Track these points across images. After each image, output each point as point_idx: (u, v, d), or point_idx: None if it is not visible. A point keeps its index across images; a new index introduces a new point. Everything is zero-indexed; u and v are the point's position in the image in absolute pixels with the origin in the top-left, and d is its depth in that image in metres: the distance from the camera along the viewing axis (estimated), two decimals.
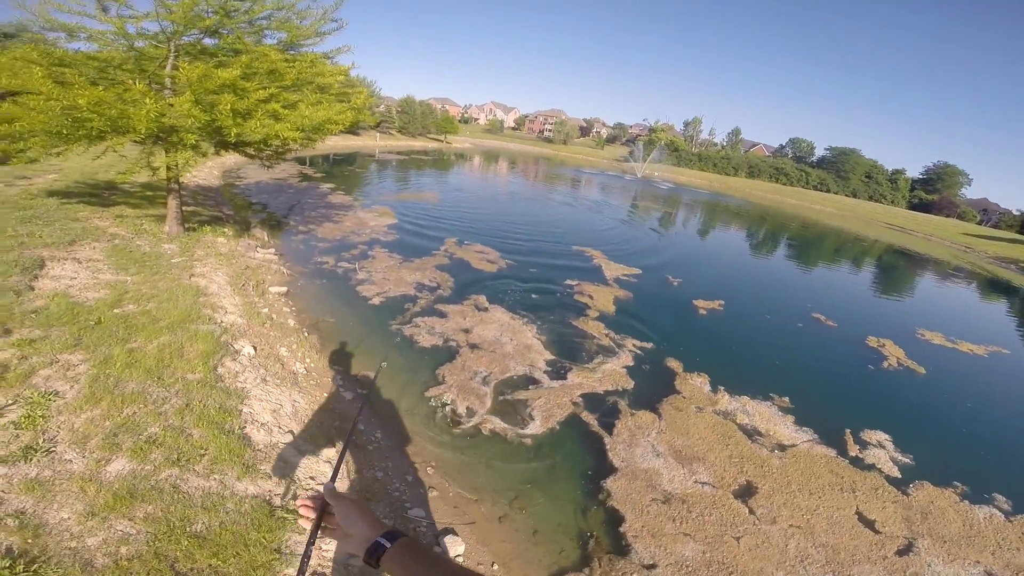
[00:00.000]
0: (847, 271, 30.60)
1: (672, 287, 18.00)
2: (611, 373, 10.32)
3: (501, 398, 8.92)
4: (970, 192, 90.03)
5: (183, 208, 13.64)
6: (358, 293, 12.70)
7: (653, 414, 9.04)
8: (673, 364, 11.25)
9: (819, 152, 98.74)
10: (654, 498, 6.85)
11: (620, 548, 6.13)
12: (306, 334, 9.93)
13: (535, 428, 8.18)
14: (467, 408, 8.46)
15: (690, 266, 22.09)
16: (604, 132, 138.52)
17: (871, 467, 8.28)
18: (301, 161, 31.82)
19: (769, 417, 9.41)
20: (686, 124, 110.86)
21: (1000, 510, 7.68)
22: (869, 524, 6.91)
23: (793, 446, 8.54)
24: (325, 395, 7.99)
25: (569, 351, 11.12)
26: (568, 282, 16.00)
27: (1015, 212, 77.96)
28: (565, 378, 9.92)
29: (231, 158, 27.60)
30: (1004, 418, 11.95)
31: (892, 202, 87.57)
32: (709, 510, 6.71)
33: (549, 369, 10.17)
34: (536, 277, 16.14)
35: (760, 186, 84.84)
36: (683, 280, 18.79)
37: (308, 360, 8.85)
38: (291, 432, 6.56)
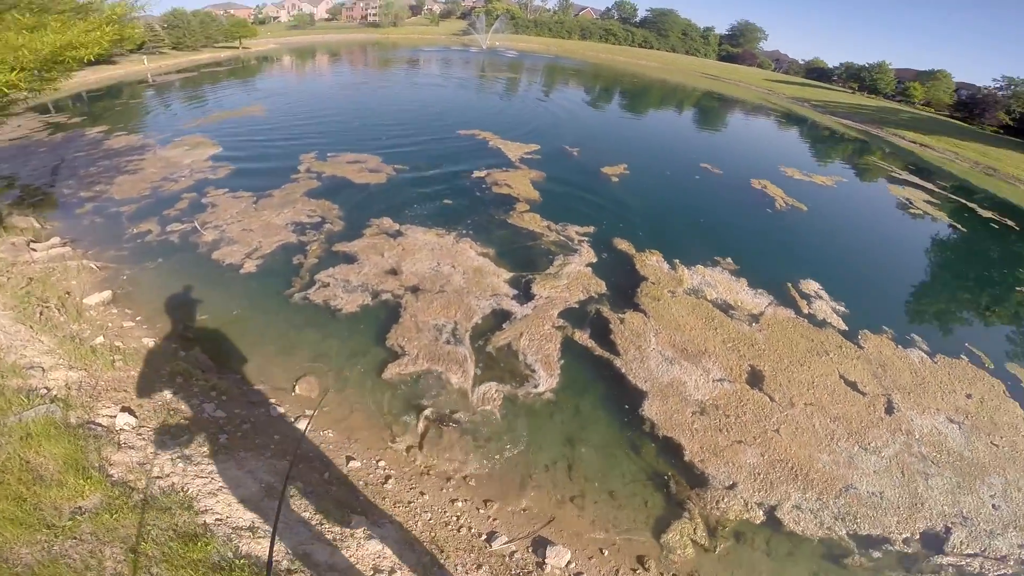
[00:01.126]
0: (688, 117, 32.61)
1: (575, 159, 16.77)
2: (577, 276, 8.96)
3: (486, 353, 7.04)
4: (766, 45, 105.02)
5: None
6: (218, 263, 8.84)
7: (639, 313, 8.26)
8: (624, 246, 10.46)
9: (641, 13, 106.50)
10: (693, 412, 6.49)
11: (697, 479, 5.66)
12: (183, 353, 6.50)
13: (543, 379, 6.66)
14: (456, 384, 6.47)
15: (575, 132, 20.85)
16: (437, 8, 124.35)
17: (825, 323, 8.96)
18: (40, 110, 21.51)
19: (728, 286, 9.56)
20: None
21: (922, 351, 8.71)
22: (853, 386, 7.46)
23: (761, 314, 8.83)
24: (276, 438, 5.33)
25: (523, 260, 9.33)
26: (476, 174, 13.65)
27: (800, 61, 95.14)
28: (534, 296, 8.30)
29: None
30: (873, 246, 13.92)
31: (705, 55, 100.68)
32: (740, 409, 6.65)
33: (515, 292, 8.38)
34: (438, 178, 13.37)
35: (593, 47, 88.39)
36: (581, 148, 17.71)
37: (216, 392, 5.84)
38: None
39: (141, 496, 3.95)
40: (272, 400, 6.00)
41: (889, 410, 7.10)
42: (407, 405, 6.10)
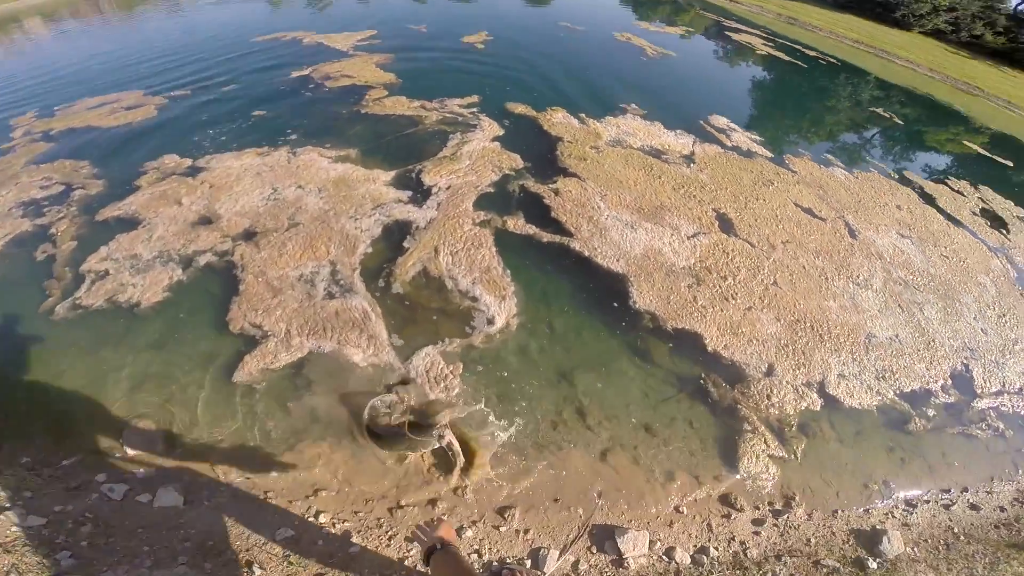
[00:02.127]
0: None
1: (425, 34, 13.40)
2: (482, 153, 6.61)
3: (394, 296, 4.64)
4: None
5: None
6: None
7: (571, 178, 6.47)
8: (521, 109, 8.35)
9: None
10: (688, 285, 5.12)
11: (732, 373, 4.46)
12: None
13: (494, 306, 4.53)
14: (365, 361, 4.10)
15: (413, 14, 16.99)
16: None
17: (753, 154, 8.34)
18: None
19: (647, 131, 8.36)
20: None
21: (840, 168, 8.72)
22: (810, 212, 6.89)
23: (692, 153, 7.87)
24: None
25: (403, 152, 6.72)
26: (296, 73, 9.84)
27: None
28: (431, 192, 5.89)
29: None
30: (747, 83, 14.23)
31: None
32: (731, 266, 5.54)
33: (407, 194, 5.87)
34: (237, 91, 9.29)
35: None
36: (425, 23, 14.22)
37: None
38: None
39: None
40: (99, 476, 3.38)
41: (852, 234, 6.64)
42: (307, 418, 3.66)
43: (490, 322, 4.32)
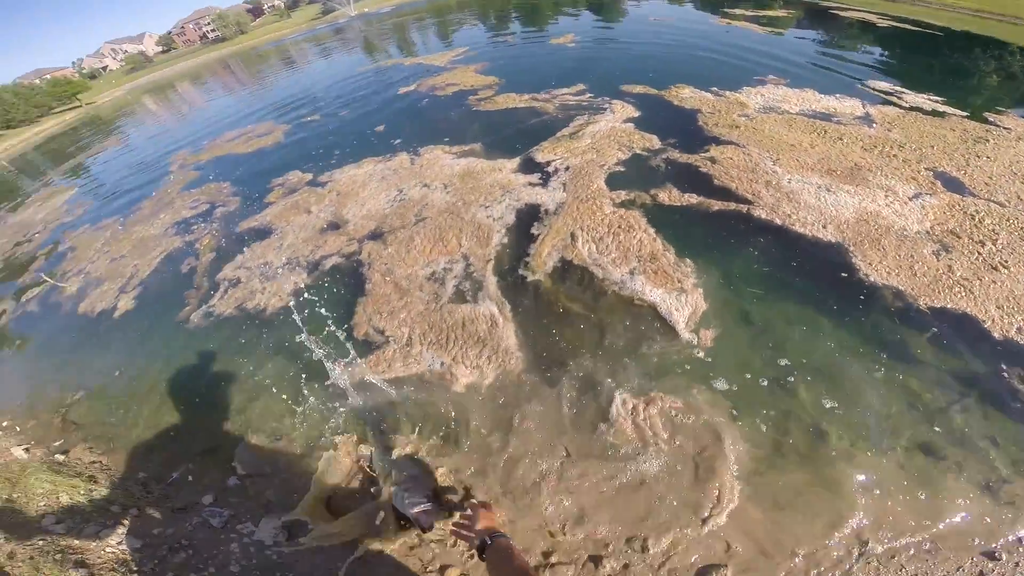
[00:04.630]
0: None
1: (512, 45, 13.41)
2: (602, 133, 5.90)
3: (529, 290, 3.95)
4: None
5: None
6: (87, 316, 5.52)
7: (725, 146, 5.37)
8: (639, 89, 7.46)
9: None
10: (933, 253, 3.69)
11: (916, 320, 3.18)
12: (60, 458, 3.52)
13: (670, 301, 3.56)
14: (494, 378, 3.44)
15: (490, 27, 17.23)
16: (280, 3, 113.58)
17: (942, 113, 6.42)
18: None
19: (801, 96, 6.89)
20: None
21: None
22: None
23: (868, 115, 6.20)
24: None
25: (526, 140, 6.17)
26: (403, 90, 10.12)
27: None
28: (553, 172, 5.23)
29: None
30: (872, 50, 11.31)
31: None
32: (982, 231, 3.97)
33: (535, 176, 5.26)
34: (353, 112, 9.70)
35: None
36: (512, 35, 14.12)
37: (117, 507, 2.73)
38: None
39: None
40: (205, 498, 3.03)
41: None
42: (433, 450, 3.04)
43: (668, 325, 3.35)
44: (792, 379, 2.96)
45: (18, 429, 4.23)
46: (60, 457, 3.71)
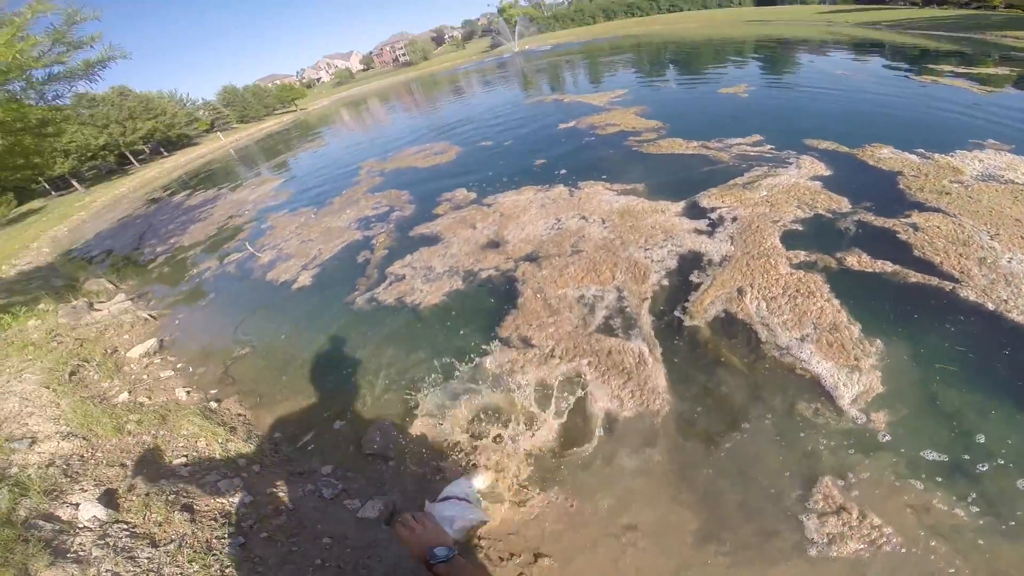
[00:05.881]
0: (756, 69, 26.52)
1: (675, 90, 13.30)
2: (782, 188, 5.56)
3: (686, 336, 3.89)
4: None
5: None
6: (272, 283, 6.82)
7: (931, 213, 4.71)
8: (826, 145, 6.79)
9: None
10: None
11: None
12: (213, 406, 4.30)
13: (832, 376, 3.23)
14: (630, 413, 3.45)
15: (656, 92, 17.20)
16: (458, 34, 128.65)
17: None
18: (151, 198, 23.08)
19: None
20: None
21: None
22: None
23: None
24: None
25: (692, 186, 6.06)
26: (563, 126, 10.69)
27: None
28: (720, 220, 5.07)
29: (60, 228, 18.87)
30: None
31: (740, 4, 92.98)
32: None
33: (702, 224, 5.17)
34: (517, 141, 10.55)
35: (623, 24, 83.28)
36: (674, 83, 14.05)
37: (244, 461, 3.41)
38: None
39: None
40: (323, 468, 3.42)
41: None
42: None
43: (835, 401, 3.01)
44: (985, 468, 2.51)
45: (191, 370, 5.18)
46: (213, 405, 4.41)
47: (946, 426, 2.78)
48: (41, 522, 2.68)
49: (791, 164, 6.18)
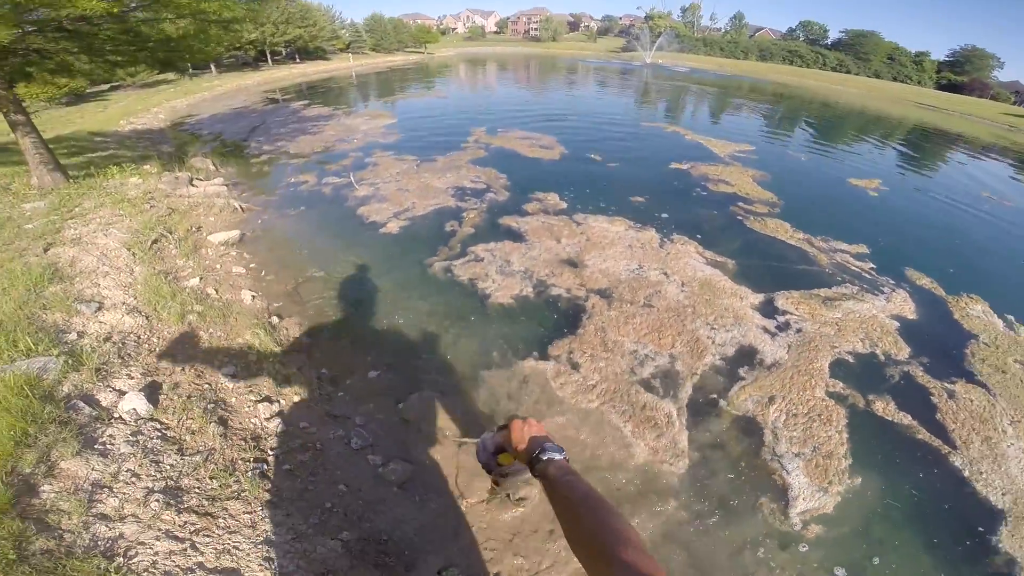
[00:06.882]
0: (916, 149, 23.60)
1: (805, 163, 12.83)
2: (857, 316, 5.40)
3: (707, 415, 4.04)
4: (1002, 75, 79.80)
5: (59, 150, 8.15)
6: (361, 219, 7.33)
7: (975, 387, 4.59)
8: (925, 282, 6.43)
9: (833, 35, 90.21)
10: None
11: None
12: (274, 321, 4.66)
13: (800, 489, 3.44)
14: (641, 460, 3.60)
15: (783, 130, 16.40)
16: (594, 25, 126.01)
17: None
18: (270, 97, 24.72)
19: None
20: (683, 11, 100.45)
21: None
22: None
23: None
24: None
25: (779, 282, 5.98)
26: (675, 166, 10.60)
27: None
28: (787, 326, 5.07)
29: (181, 101, 20.51)
30: None
31: (919, 83, 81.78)
32: None
33: (768, 322, 5.14)
34: (623, 165, 10.55)
35: (775, 68, 75.65)
36: (805, 154, 13.50)
37: (288, 385, 3.71)
38: None
39: (45, 546, 1.89)
40: (358, 418, 3.68)
41: None
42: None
43: (788, 507, 3.27)
44: None
45: (262, 273, 5.51)
46: (274, 320, 4.63)
47: (859, 549, 3.10)
48: (81, 403, 2.73)
49: (882, 294, 5.93)
